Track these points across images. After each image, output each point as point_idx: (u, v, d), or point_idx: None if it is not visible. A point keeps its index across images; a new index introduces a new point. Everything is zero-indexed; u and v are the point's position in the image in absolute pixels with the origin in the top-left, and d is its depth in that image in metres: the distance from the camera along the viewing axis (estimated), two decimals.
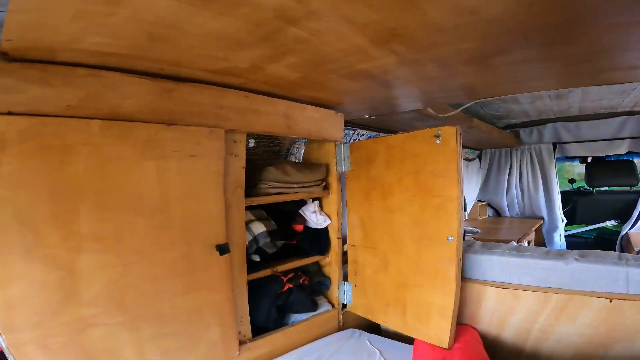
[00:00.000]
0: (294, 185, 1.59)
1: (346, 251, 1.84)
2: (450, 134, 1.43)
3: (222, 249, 1.21)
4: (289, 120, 1.51)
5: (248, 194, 1.46)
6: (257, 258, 1.48)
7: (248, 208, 1.49)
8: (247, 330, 1.44)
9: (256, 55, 1.04)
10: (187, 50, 0.98)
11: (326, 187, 1.79)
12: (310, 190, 1.67)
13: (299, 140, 1.94)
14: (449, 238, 1.44)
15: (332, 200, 1.79)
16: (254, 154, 1.79)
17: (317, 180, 1.70)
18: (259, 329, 1.50)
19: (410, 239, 1.57)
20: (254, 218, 1.48)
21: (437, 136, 1.48)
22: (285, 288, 1.56)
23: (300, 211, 1.72)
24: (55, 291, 0.94)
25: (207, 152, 1.19)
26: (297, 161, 1.97)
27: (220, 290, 1.26)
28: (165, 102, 1.12)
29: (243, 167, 1.36)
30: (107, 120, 1.00)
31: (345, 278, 1.84)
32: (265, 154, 1.85)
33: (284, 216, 1.68)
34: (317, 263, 1.86)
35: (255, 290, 1.51)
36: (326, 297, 1.85)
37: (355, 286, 1.80)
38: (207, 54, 1.01)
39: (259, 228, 1.45)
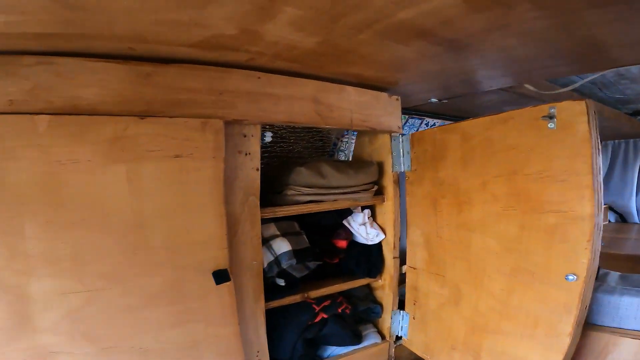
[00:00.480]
0: (333, 191, 1.14)
1: (404, 273, 1.32)
2: (576, 113, 0.80)
3: (219, 276, 0.85)
4: (319, 106, 1.06)
5: (271, 203, 1.07)
6: (281, 282, 1.08)
7: (271, 220, 1.11)
8: None
9: (234, 12, 0.64)
10: (133, 17, 0.63)
11: (379, 192, 1.29)
12: (355, 196, 1.19)
13: (349, 132, 1.47)
14: (570, 277, 0.84)
15: (387, 208, 1.28)
16: (291, 151, 1.39)
17: (366, 184, 1.22)
18: None
19: (496, 270, 0.98)
20: (278, 233, 1.08)
21: (550, 117, 0.86)
22: (318, 318, 1.14)
23: (345, 222, 1.26)
24: (6, 316, 0.71)
25: (199, 150, 0.83)
26: (343, 159, 1.50)
27: (224, 323, 0.91)
28: (141, 89, 0.79)
29: (257, 169, 0.97)
30: (57, 115, 0.71)
31: (401, 306, 1.32)
32: (307, 151, 1.44)
33: (323, 230, 1.24)
34: (367, 285, 1.39)
35: (280, 319, 1.13)
36: (376, 326, 1.37)
37: (414, 318, 1.27)
38: (164, 19, 0.65)
39: (282, 246, 1.05)
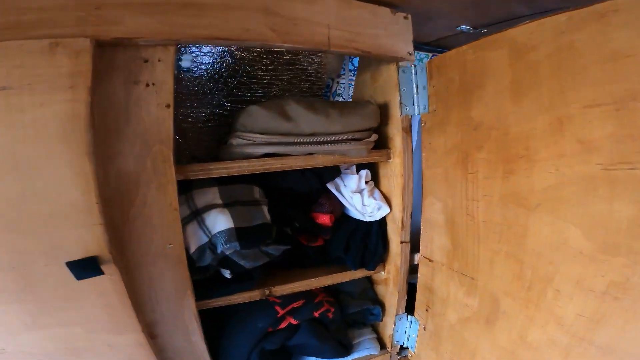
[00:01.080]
0: (305, 140, 0.72)
1: (417, 265, 0.88)
2: None
3: (82, 268, 0.51)
4: (274, 18, 0.62)
5: (208, 157, 0.70)
6: (227, 274, 0.72)
7: (215, 184, 0.72)
8: None
9: None
10: None
11: (383, 146, 0.84)
12: (342, 148, 0.75)
13: (345, 70, 1.01)
14: None
15: (394, 169, 0.83)
16: (267, 94, 0.97)
17: (359, 132, 0.77)
18: None
19: (577, 282, 0.50)
20: (218, 202, 0.70)
21: None
22: (284, 324, 0.77)
23: (330, 188, 0.84)
24: None
25: (43, 79, 0.47)
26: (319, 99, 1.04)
27: (117, 329, 0.58)
28: None
29: (168, 106, 0.58)
30: None
31: (409, 309, 0.90)
32: (289, 95, 1.01)
33: (300, 199, 0.83)
34: (367, 279, 0.97)
35: (230, 323, 0.78)
36: (375, 330, 0.97)
37: (424, 329, 0.84)
38: None
39: (218, 222, 0.66)
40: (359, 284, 0.94)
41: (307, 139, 0.72)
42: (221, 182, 0.72)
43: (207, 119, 0.95)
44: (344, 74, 1.04)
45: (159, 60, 0.57)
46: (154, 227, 0.59)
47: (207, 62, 0.91)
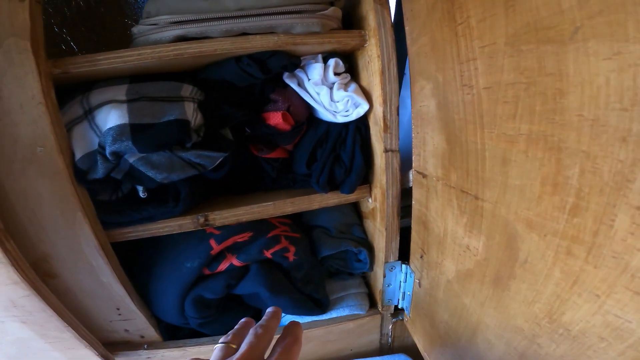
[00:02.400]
0: (229, 15, 0.52)
1: (411, 188, 0.64)
2: None
3: None
4: None
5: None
6: (142, 193, 0.58)
7: (126, 81, 0.56)
8: (146, 329, 0.64)
9: None
10: None
11: (355, 25, 0.61)
12: (281, 22, 0.53)
13: None
14: None
15: (370, 52, 0.58)
16: None
17: (309, 4, 0.55)
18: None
19: None
20: (121, 99, 0.53)
21: None
22: (224, 266, 0.61)
23: (288, 81, 0.61)
24: None
25: None
26: None
27: None
28: None
29: (22, 0, 0.44)
30: None
31: (404, 256, 0.67)
32: None
33: (247, 96, 0.60)
34: (354, 209, 0.77)
35: (160, 261, 0.65)
36: (367, 282, 0.77)
37: (419, 285, 0.62)
38: None
39: (111, 118, 0.50)
40: (341, 217, 0.73)
41: (232, 14, 0.53)
42: (130, 80, 0.56)
43: None
44: None
45: None
46: (16, 125, 0.47)
47: None
